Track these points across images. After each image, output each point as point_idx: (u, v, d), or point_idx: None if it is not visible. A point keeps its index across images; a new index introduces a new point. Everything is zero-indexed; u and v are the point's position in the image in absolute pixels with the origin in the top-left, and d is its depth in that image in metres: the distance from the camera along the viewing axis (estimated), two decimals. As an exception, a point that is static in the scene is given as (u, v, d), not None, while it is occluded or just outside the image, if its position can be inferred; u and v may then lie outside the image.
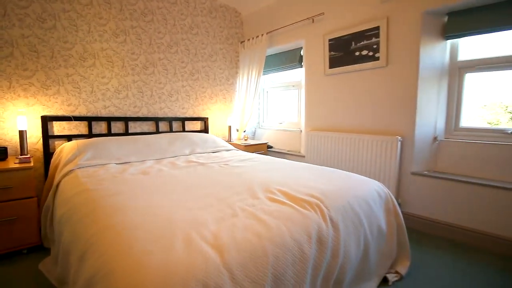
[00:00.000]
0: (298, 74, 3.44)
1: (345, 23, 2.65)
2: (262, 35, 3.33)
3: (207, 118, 3.46)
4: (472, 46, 2.21)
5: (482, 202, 1.99)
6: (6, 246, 1.86)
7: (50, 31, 2.36)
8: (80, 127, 2.59)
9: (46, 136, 2.37)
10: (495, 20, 1.95)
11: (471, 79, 2.24)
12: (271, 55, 3.61)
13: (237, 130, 3.76)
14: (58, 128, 2.48)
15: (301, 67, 3.25)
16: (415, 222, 2.30)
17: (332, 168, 2.08)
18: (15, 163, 1.96)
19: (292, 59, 3.34)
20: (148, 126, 3.02)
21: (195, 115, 3.39)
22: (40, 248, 1.99)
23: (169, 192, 1.45)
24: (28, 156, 2.07)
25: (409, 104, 2.28)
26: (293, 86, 3.51)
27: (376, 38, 2.41)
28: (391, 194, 1.72)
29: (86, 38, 2.55)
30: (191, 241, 0.91)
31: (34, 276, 1.69)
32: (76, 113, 2.55)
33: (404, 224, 1.69)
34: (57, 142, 2.47)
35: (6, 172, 1.84)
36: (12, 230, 1.87)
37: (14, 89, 2.24)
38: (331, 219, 1.25)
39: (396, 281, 1.59)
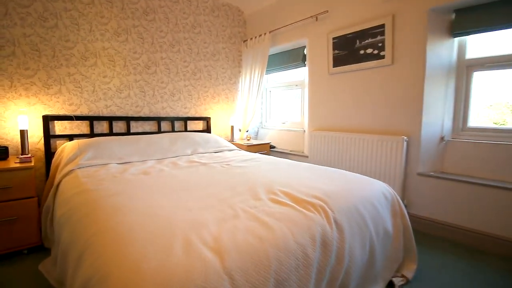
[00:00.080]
0: (301, 73, 3.40)
1: (350, 21, 2.60)
2: (265, 34, 3.30)
3: (210, 118, 3.43)
4: (481, 43, 2.15)
5: (490, 203, 1.93)
6: (7, 246, 1.84)
7: (52, 30, 2.35)
8: (82, 127, 2.57)
9: (48, 135, 2.35)
10: (504, 17, 1.90)
11: (477, 79, 2.19)
12: (274, 54, 3.58)
13: (240, 130, 3.72)
14: (59, 127, 2.46)
15: (305, 66, 3.21)
16: (421, 224, 2.25)
17: (336, 169, 2.03)
18: (15, 162, 1.95)
19: (295, 58, 3.30)
20: (150, 126, 3.00)
21: (197, 115, 3.36)
22: (41, 248, 1.97)
23: (169, 192, 1.42)
24: (29, 155, 2.05)
25: (415, 103, 2.23)
26: (296, 85, 3.47)
27: (381, 36, 2.36)
28: (397, 196, 1.68)
29: (88, 37, 2.53)
30: (191, 244, 0.88)
31: (34, 276, 1.67)
32: (78, 113, 2.54)
33: (410, 227, 1.64)
34: (58, 142, 2.45)
35: (6, 172, 1.82)
36: (13, 230, 1.85)
37: (16, 88, 2.23)
38: (335, 222, 1.21)
39: (403, 285, 1.54)
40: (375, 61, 2.43)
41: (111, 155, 2.19)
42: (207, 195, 1.37)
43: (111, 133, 2.70)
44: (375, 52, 2.42)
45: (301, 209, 1.20)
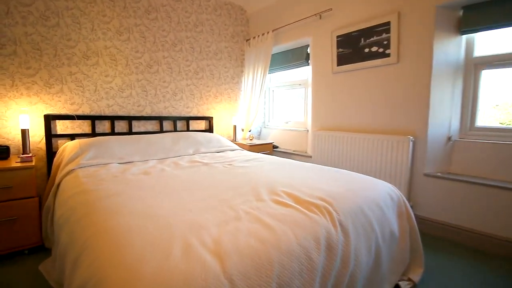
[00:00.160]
0: (304, 72, 3.35)
1: (354, 19, 2.56)
2: (268, 32, 3.26)
3: (212, 117, 3.40)
4: (489, 41, 2.10)
5: (500, 205, 1.88)
6: (7, 246, 1.83)
7: (53, 29, 2.34)
8: (83, 126, 2.56)
9: (49, 135, 2.34)
10: (514, 13, 1.84)
11: (484, 78, 2.13)
12: (277, 53, 3.54)
13: (242, 130, 3.69)
14: (61, 127, 2.45)
15: (308, 65, 3.17)
16: (428, 226, 2.20)
17: (340, 169, 1.99)
18: (16, 162, 1.93)
19: (298, 57, 3.26)
20: (152, 126, 2.98)
21: (199, 114, 3.34)
22: (42, 248, 1.96)
23: (170, 193, 1.39)
24: (30, 155, 2.04)
25: (421, 103, 2.18)
26: (300, 84, 3.43)
27: (387, 34, 2.31)
28: (403, 197, 1.63)
29: (90, 36, 2.52)
30: (190, 247, 0.85)
31: (34, 277, 1.66)
32: (80, 112, 2.53)
33: (417, 229, 1.59)
34: (60, 141, 2.44)
35: (7, 172, 1.81)
36: (13, 230, 1.84)
37: (17, 87, 2.22)
38: (340, 224, 1.17)
39: (409, 289, 1.50)
40: (380, 60, 2.39)
41: (112, 154, 2.17)
42: (209, 196, 1.34)
43: (113, 133, 2.68)
44: (380, 50, 2.37)
45: (305, 210, 1.16)
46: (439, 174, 2.17)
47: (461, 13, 2.11)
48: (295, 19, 3.06)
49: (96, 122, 2.61)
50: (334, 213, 1.20)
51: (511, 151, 1.93)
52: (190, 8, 3.15)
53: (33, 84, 2.28)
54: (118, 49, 2.68)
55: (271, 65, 3.49)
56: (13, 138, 2.22)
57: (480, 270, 1.71)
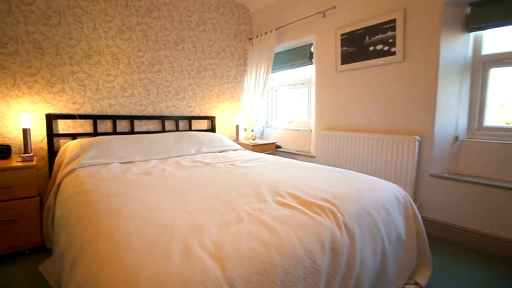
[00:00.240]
0: (308, 72, 3.31)
1: (359, 17, 2.52)
2: (271, 31, 3.23)
3: (214, 117, 3.37)
4: (498, 38, 2.04)
5: (509, 207, 1.82)
6: (8, 246, 1.82)
7: (55, 28, 2.32)
8: (85, 126, 2.54)
9: (51, 134, 2.33)
10: (524, 9, 1.79)
11: (492, 77, 2.08)
12: (280, 52, 3.50)
13: (245, 130, 3.66)
14: (63, 126, 2.44)
15: (312, 64, 3.13)
16: (434, 228, 2.15)
17: (345, 169, 1.95)
18: (17, 161, 1.92)
19: (302, 55, 3.22)
20: (154, 125, 2.96)
21: (202, 114, 3.31)
22: (43, 248, 1.95)
23: (170, 193, 1.36)
24: (31, 154, 2.02)
25: (428, 102, 2.13)
26: (303, 84, 3.39)
27: (392, 31, 2.27)
28: (409, 198, 1.59)
29: (91, 35, 2.50)
30: (190, 250, 0.82)
31: (35, 277, 1.65)
32: (81, 111, 2.51)
33: (424, 231, 1.55)
34: (61, 141, 2.43)
35: (7, 171, 1.79)
36: (14, 230, 1.83)
37: (19, 86, 2.21)
38: (345, 226, 1.13)
39: (416, 293, 1.46)
40: (385, 58, 2.34)
41: (113, 154, 2.15)
42: (210, 197, 1.31)
43: (114, 132, 2.66)
44: (386, 48, 2.33)
45: (309, 212, 1.13)
46: (446, 174, 2.12)
47: (468, 10, 2.06)
48: (299, 17, 3.02)
49: (98, 121, 2.60)
50: (339, 214, 1.16)
51: (521, 151, 1.88)
52: (193, 6, 3.12)
53: (34, 83, 2.27)
54: (120, 48, 2.66)
55: (274, 64, 3.45)
56: (15, 138, 2.21)
57: (490, 274, 1.65)
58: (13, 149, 2.19)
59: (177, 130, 3.08)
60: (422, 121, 2.17)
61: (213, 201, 1.25)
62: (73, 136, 2.45)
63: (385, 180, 1.77)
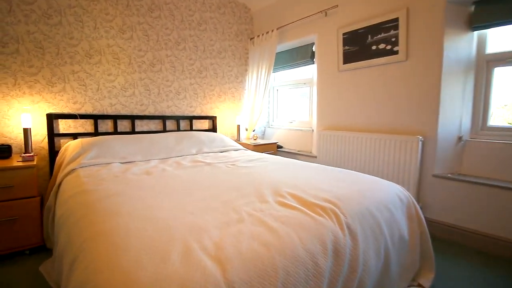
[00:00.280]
0: (310, 71, 3.29)
1: (361, 15, 2.49)
2: (272, 30, 3.21)
3: (215, 116, 3.36)
4: (502, 37, 2.02)
5: (514, 208, 1.80)
6: (8, 246, 1.81)
7: (56, 27, 2.32)
8: (86, 125, 2.54)
9: (52, 134, 2.32)
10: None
11: (496, 76, 2.05)
12: (282, 51, 3.48)
13: (246, 130, 3.65)
14: (63, 126, 2.43)
15: (313, 63, 3.11)
16: (437, 229, 2.12)
17: (346, 170, 1.93)
18: (18, 161, 1.91)
19: (303, 55, 3.20)
20: (155, 125, 2.95)
21: (203, 114, 3.30)
22: (43, 249, 1.94)
23: (171, 193, 1.35)
24: (32, 154, 2.02)
25: (431, 101, 2.10)
26: (305, 83, 3.37)
27: (395, 30, 2.25)
28: (413, 198, 1.57)
29: (92, 35, 2.49)
30: (190, 251, 0.80)
31: (35, 277, 1.64)
32: (82, 111, 2.50)
33: (428, 232, 1.53)
34: (62, 141, 2.42)
35: (7, 171, 1.79)
36: (14, 230, 1.82)
37: (20, 86, 2.20)
38: (348, 227, 1.11)
39: (419, 295, 1.44)
40: (388, 57, 2.32)
41: (114, 154, 2.14)
42: (211, 197, 1.29)
43: (115, 132, 2.66)
44: (388, 47, 2.31)
45: (310, 213, 1.11)
46: (449, 175, 2.10)
47: (472, 8, 2.03)
48: (300, 16, 3.00)
49: (99, 121, 2.59)
50: (341, 215, 1.14)
51: (526, 151, 1.85)
52: (194, 6, 3.11)
53: (35, 83, 2.27)
54: (121, 47, 2.65)
55: (275, 64, 3.43)
56: (16, 137, 2.21)
57: (490, 275, 1.63)
58: (14, 149, 2.18)
59: (178, 130, 3.07)
60: (425, 121, 2.15)
61: (214, 201, 1.23)
62: (74, 136, 2.44)
63: (387, 180, 1.75)
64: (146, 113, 2.87)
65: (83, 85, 2.49)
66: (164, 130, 2.95)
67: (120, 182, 1.55)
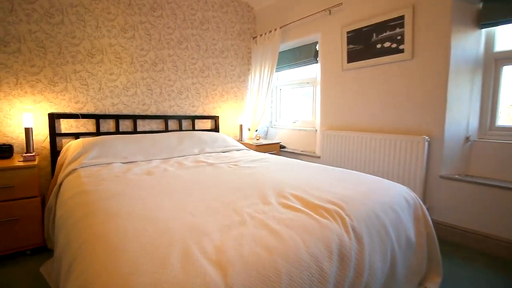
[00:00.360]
0: (313, 70, 3.25)
1: (365, 13, 2.45)
2: (275, 29, 3.18)
3: (218, 116, 3.34)
4: (511, 35, 1.97)
5: (524, 210, 1.75)
6: (9, 246, 1.80)
7: (58, 26, 2.31)
8: (88, 125, 2.52)
9: (53, 134, 2.31)
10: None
11: (505, 75, 2.00)
12: (285, 51, 3.45)
13: (249, 129, 3.62)
14: (65, 125, 2.42)
15: (317, 62, 3.07)
16: (444, 231, 2.08)
17: (351, 170, 1.90)
18: (19, 161, 1.90)
19: (307, 54, 3.17)
20: (157, 125, 2.93)
21: (205, 114, 3.28)
22: (44, 249, 1.93)
23: (172, 194, 1.32)
24: (33, 154, 2.01)
25: (438, 101, 2.06)
26: (308, 83, 3.34)
27: (401, 28, 2.20)
28: (419, 200, 1.53)
29: (94, 34, 2.48)
30: (190, 256, 0.77)
31: (35, 278, 1.63)
32: (84, 111, 2.49)
33: (435, 235, 1.49)
34: (64, 140, 2.41)
35: (8, 171, 1.77)
36: (15, 231, 1.80)
37: (21, 85, 2.19)
38: (353, 230, 1.08)
39: (427, 299, 1.40)
40: (393, 56, 2.28)
41: (115, 154, 2.13)
42: (212, 198, 1.26)
43: (117, 132, 2.64)
44: (394, 46, 2.26)
45: (315, 215, 1.08)
46: (456, 176, 2.05)
47: (480, 5, 1.99)
48: (304, 15, 2.97)
49: (101, 121, 2.57)
50: (346, 218, 1.11)
51: (536, 152, 1.80)
52: (196, 5, 3.09)
53: (37, 82, 2.26)
54: (123, 46, 2.64)
55: (278, 63, 3.40)
56: (17, 137, 2.20)
57: (501, 278, 1.58)
58: (16, 149, 2.17)
59: (180, 129, 3.05)
60: (432, 121, 2.10)
61: (216, 202, 1.20)
62: (76, 136, 2.43)
63: (392, 181, 1.71)
64: (148, 112, 2.85)
65: (85, 85, 2.48)
66: (166, 130, 2.93)
67: (121, 182, 1.53)
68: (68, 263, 0.91)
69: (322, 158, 2.88)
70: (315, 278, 0.85)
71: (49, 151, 2.33)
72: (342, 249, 0.99)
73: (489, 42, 2.04)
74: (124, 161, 2.09)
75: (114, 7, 2.56)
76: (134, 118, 2.73)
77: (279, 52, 3.33)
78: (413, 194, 1.54)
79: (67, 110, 2.41)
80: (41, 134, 2.30)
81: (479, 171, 2.06)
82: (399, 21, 2.21)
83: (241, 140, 3.42)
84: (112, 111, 2.63)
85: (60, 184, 1.76)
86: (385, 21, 2.29)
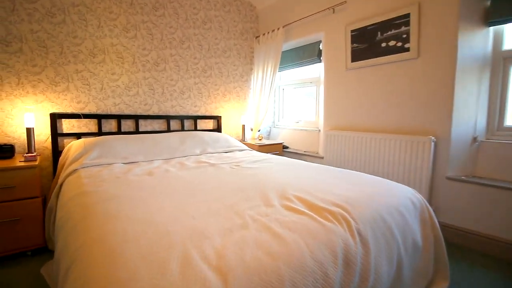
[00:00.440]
0: (316, 70, 3.22)
1: (370, 12, 2.41)
2: (278, 29, 3.15)
3: (220, 116, 3.31)
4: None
5: (534, 213, 1.70)
6: (10, 247, 1.79)
7: (59, 26, 2.30)
8: (90, 125, 2.51)
9: (55, 134, 2.30)
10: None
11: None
12: (288, 50, 3.42)
13: (251, 130, 3.59)
14: (67, 126, 2.41)
15: (320, 62, 3.04)
16: (450, 234, 2.03)
17: (356, 171, 1.86)
18: (20, 161, 1.89)
19: (310, 53, 3.13)
20: (159, 125, 2.91)
21: (207, 114, 3.26)
22: (45, 250, 1.92)
23: (172, 195, 1.30)
24: (34, 154, 1.99)
25: (444, 100, 2.01)
26: (311, 82, 3.30)
27: (406, 26, 2.16)
28: (426, 202, 1.49)
29: (96, 33, 2.47)
30: (189, 261, 0.75)
31: (36, 278, 1.62)
32: (86, 111, 2.48)
33: (442, 238, 1.45)
34: (66, 140, 2.40)
35: (9, 171, 1.76)
36: (16, 231, 1.79)
37: (23, 85, 2.19)
38: (359, 233, 1.05)
39: (434, 305, 1.36)
40: (398, 55, 2.23)
41: (116, 154, 2.11)
42: (213, 200, 1.24)
43: (119, 132, 2.63)
44: (399, 44, 2.22)
45: (319, 218, 1.05)
46: (463, 177, 2.00)
47: (488, 2, 1.94)
48: (307, 14, 2.93)
49: (103, 121, 2.56)
50: (351, 221, 1.07)
51: (547, 153, 1.75)
52: (198, 4, 3.07)
53: (39, 82, 2.25)
54: (124, 46, 2.62)
55: (281, 63, 3.37)
56: (19, 137, 2.19)
57: (509, 282, 1.54)
58: (17, 149, 2.17)
59: (183, 129, 3.03)
60: (438, 121, 2.06)
61: (217, 204, 1.18)
62: (78, 136, 2.42)
63: (398, 182, 1.67)
64: (150, 112, 2.84)
65: (87, 85, 2.46)
66: (168, 130, 2.92)
67: (121, 183, 1.51)
68: (66, 267, 0.89)
69: (326, 158, 2.85)
70: (320, 284, 0.82)
71: (51, 151, 2.32)
72: (348, 254, 0.96)
73: (497, 41, 2.00)
74: (125, 162, 2.07)
75: (116, 6, 2.55)
76: (136, 118, 2.71)
77: (282, 52, 3.30)
78: (419, 196, 1.50)
79: (69, 110, 2.40)
80: (43, 134, 2.29)
81: (487, 172, 2.01)
82: (404, 19, 2.16)
83: (244, 140, 3.39)
84: (114, 111, 2.62)
85: (61, 185, 1.75)
86: (390, 19, 2.25)
